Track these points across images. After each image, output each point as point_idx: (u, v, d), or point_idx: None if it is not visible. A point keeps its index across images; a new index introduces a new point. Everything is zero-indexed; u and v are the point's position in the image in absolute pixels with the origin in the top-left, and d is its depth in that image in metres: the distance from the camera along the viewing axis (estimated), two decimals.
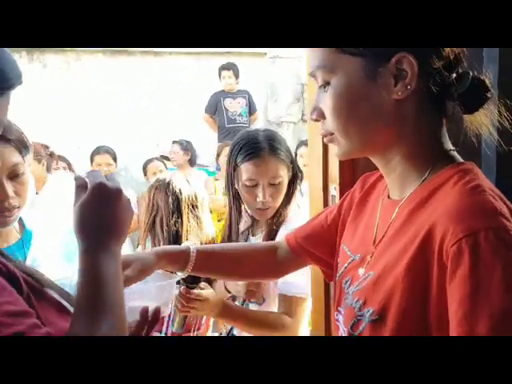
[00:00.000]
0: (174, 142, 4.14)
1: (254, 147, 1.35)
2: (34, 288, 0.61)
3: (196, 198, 1.47)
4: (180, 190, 1.44)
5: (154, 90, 4.89)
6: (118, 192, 0.67)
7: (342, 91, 0.67)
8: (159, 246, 1.42)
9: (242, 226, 1.51)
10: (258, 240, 1.45)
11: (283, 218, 1.40)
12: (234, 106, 4.83)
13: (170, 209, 1.43)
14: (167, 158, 4.11)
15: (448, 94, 0.68)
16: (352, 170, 1.11)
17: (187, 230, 1.44)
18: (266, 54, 5.45)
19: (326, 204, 1.16)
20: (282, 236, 1.24)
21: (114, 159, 3.67)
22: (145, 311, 0.88)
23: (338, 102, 0.68)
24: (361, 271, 0.74)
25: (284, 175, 1.37)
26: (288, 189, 1.40)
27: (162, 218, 1.43)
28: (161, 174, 1.56)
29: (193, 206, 1.46)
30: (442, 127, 0.71)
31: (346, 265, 0.80)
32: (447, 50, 0.66)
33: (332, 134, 0.71)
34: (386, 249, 0.70)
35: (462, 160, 0.71)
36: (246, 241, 1.49)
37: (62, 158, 3.63)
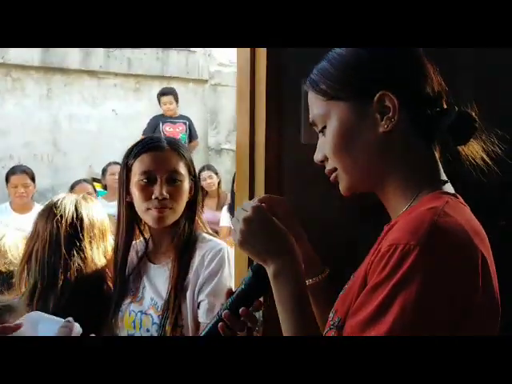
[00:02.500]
0: (114, 163, 3.93)
1: (152, 141, 1.22)
2: None
3: (94, 222, 1.29)
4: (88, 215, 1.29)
5: (88, 110, 4.73)
6: None
7: (337, 132, 0.76)
8: (42, 276, 1.21)
9: (135, 254, 1.28)
10: (162, 268, 1.23)
11: (192, 238, 1.21)
12: (173, 132, 4.76)
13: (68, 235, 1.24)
14: (98, 180, 3.93)
15: (435, 126, 0.75)
16: (278, 191, 1.08)
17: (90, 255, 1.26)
18: (207, 81, 5.48)
19: None
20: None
21: (32, 179, 3.37)
22: None
23: (335, 141, 0.76)
24: None
25: (185, 175, 1.21)
26: (191, 203, 1.24)
27: (48, 246, 1.24)
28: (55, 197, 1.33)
29: (92, 231, 1.28)
30: (431, 157, 0.76)
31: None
32: (427, 85, 0.74)
33: (335, 171, 0.78)
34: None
35: (450, 191, 0.74)
36: (146, 269, 1.26)
37: None
